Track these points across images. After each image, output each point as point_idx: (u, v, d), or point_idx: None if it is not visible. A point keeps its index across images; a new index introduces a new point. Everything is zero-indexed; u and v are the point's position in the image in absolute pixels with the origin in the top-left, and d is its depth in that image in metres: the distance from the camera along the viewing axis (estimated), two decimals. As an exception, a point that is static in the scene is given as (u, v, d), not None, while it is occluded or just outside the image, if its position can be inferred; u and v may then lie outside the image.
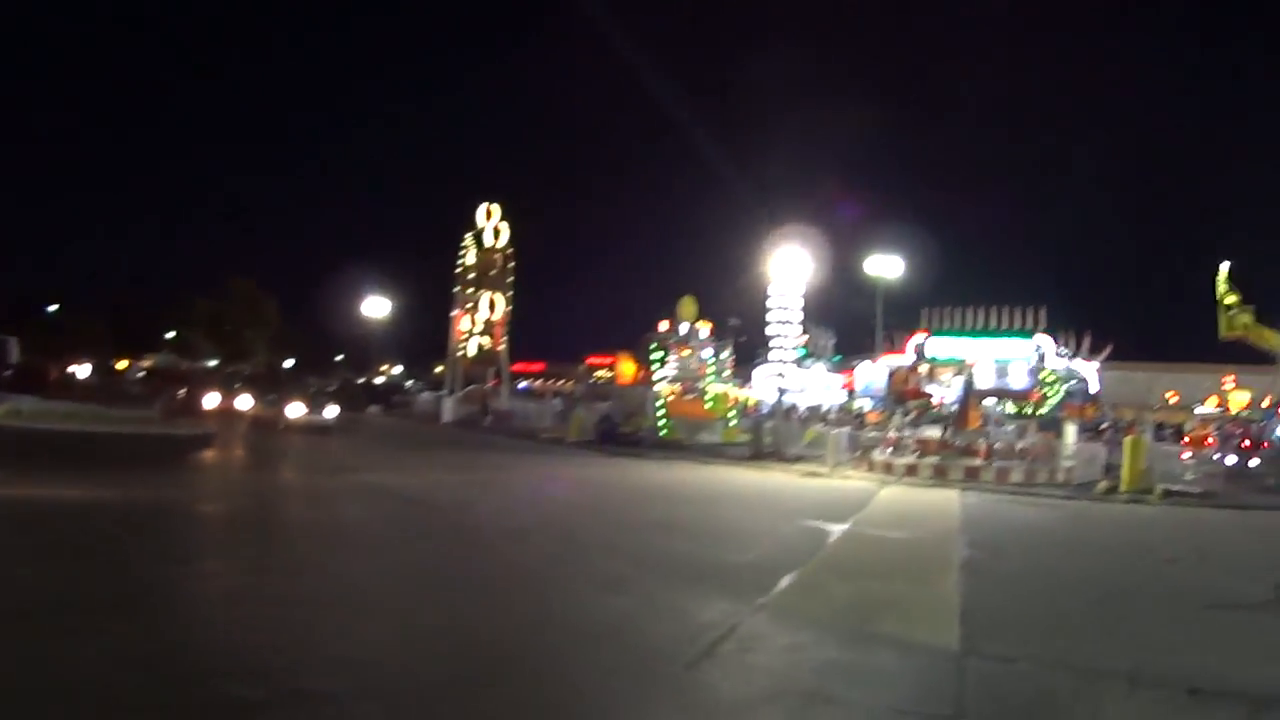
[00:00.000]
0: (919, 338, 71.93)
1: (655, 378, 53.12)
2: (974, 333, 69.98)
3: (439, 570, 15.76)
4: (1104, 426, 48.62)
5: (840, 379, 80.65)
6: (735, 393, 61.13)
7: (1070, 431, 40.20)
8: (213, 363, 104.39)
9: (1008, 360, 68.51)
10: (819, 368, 79.83)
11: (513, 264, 74.29)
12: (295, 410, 48.67)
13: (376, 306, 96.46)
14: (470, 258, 72.72)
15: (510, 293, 74.19)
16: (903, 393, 69.26)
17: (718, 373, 59.01)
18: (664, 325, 57.01)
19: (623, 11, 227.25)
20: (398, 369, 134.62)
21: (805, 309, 46.97)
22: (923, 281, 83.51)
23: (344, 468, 31.81)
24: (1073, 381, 67.39)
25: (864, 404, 69.84)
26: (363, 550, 17.59)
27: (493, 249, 73.33)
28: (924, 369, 71.21)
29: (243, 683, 9.11)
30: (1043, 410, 62.06)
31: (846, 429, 44.12)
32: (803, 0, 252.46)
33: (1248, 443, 39.43)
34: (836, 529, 22.15)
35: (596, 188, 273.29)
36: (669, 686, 10.03)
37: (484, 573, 15.81)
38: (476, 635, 11.63)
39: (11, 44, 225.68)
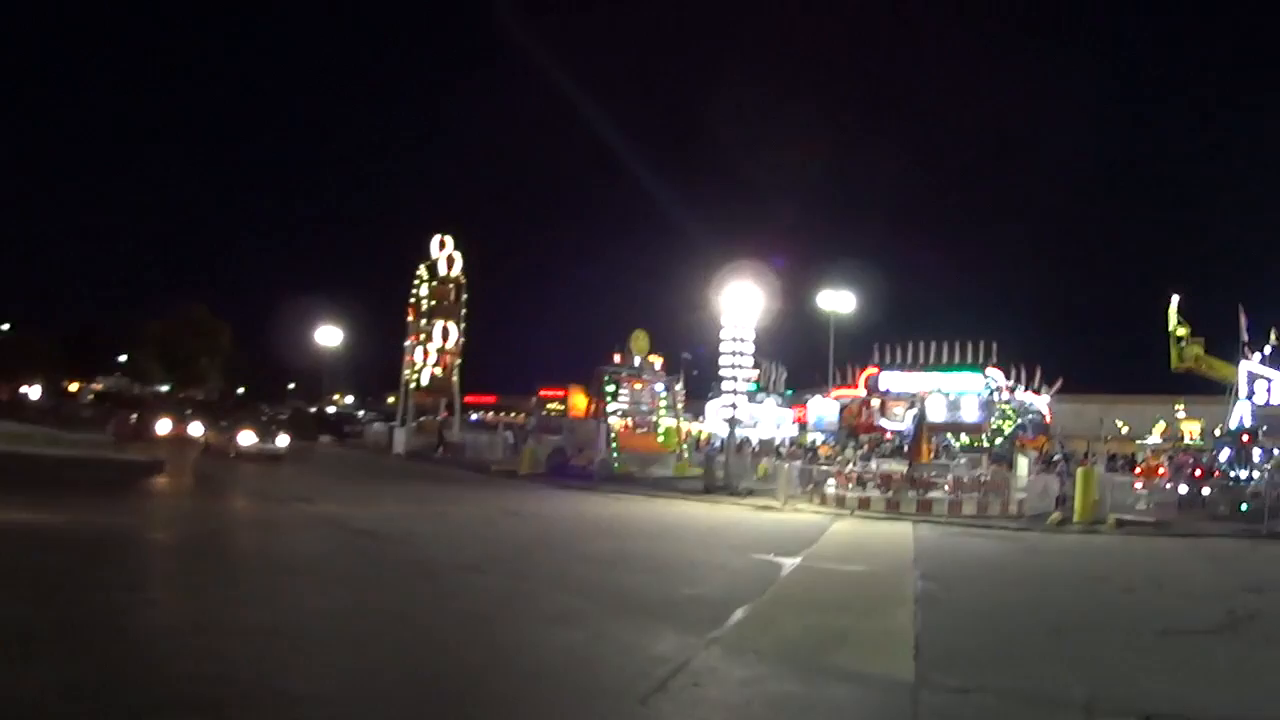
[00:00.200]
0: (871, 372, 72.13)
1: (607, 411, 52.97)
2: (926, 366, 70.24)
3: (391, 603, 15.63)
4: (1057, 458, 48.64)
5: (792, 413, 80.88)
6: (687, 426, 61.14)
7: (1023, 464, 40.31)
8: (165, 388, 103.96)
9: (960, 394, 68.76)
10: (771, 402, 80.00)
11: (465, 295, 74.12)
12: (247, 438, 48.32)
13: (329, 336, 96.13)
14: (424, 289, 72.51)
15: (463, 323, 74.04)
16: (855, 426, 69.45)
17: (670, 406, 59.05)
18: (616, 358, 56.92)
19: (575, 48, 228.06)
20: (350, 399, 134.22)
21: (757, 343, 46.77)
22: (875, 316, 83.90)
23: (295, 497, 31.64)
24: (1025, 415, 67.67)
25: (816, 438, 69.88)
26: (314, 582, 17.45)
27: (446, 278, 73.01)
28: (876, 403, 71.40)
29: (191, 715, 9.04)
30: (995, 443, 62.25)
31: (799, 463, 44.06)
32: (753, 38, 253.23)
33: (1199, 472, 39.59)
34: (789, 562, 22.08)
35: (549, 221, 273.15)
36: (622, 720, 9.97)
37: (436, 605, 15.72)
38: (429, 668, 11.59)
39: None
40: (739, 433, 49.43)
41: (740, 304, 45.01)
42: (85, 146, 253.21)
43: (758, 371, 66.17)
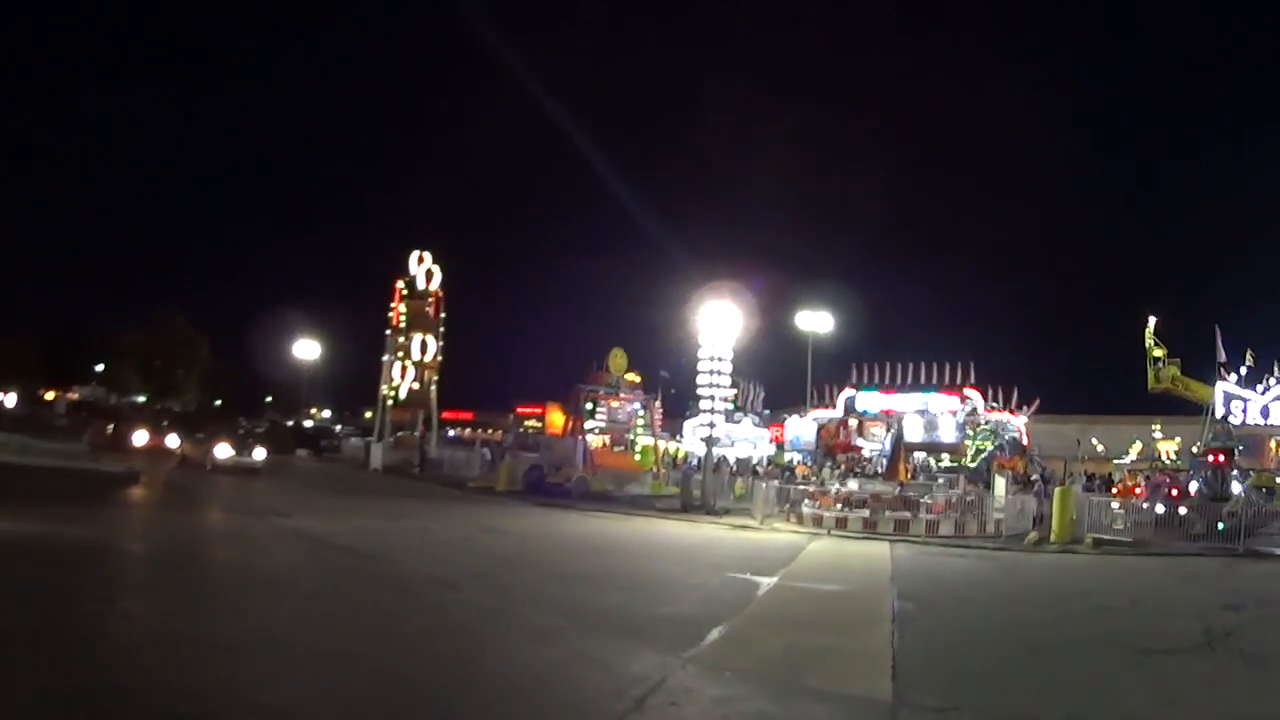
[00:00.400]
0: (848, 392, 72.22)
1: (584, 428, 52.95)
2: (904, 387, 70.36)
3: (367, 619, 15.59)
4: (1034, 478, 48.73)
5: (769, 432, 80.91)
6: (665, 445, 61.15)
7: (1000, 484, 40.33)
8: (141, 398, 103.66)
9: (937, 414, 68.85)
10: (748, 421, 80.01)
11: (444, 309, 74.10)
12: (223, 451, 48.14)
13: (307, 350, 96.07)
14: (402, 304, 72.44)
15: (442, 339, 74.04)
16: (832, 446, 69.51)
17: (647, 425, 58.99)
18: (594, 376, 56.88)
19: (555, 67, 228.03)
20: (327, 413, 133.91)
21: (735, 362, 46.77)
22: (852, 336, 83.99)
23: (271, 511, 31.52)
24: (1003, 435, 67.78)
25: (794, 457, 69.88)
26: (289, 597, 17.42)
27: (425, 292, 73.04)
28: (853, 423, 71.46)
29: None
30: (972, 463, 62.36)
31: (776, 482, 44.03)
32: (732, 60, 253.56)
33: (1175, 491, 39.66)
34: (766, 581, 22.08)
35: (528, 239, 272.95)
36: (599, 739, 9.94)
37: (413, 622, 15.63)
38: (405, 685, 11.53)
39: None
40: (716, 452, 49.31)
41: (718, 323, 45.01)
42: (66, 154, 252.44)
43: (735, 391, 66.32)
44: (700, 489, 43.65)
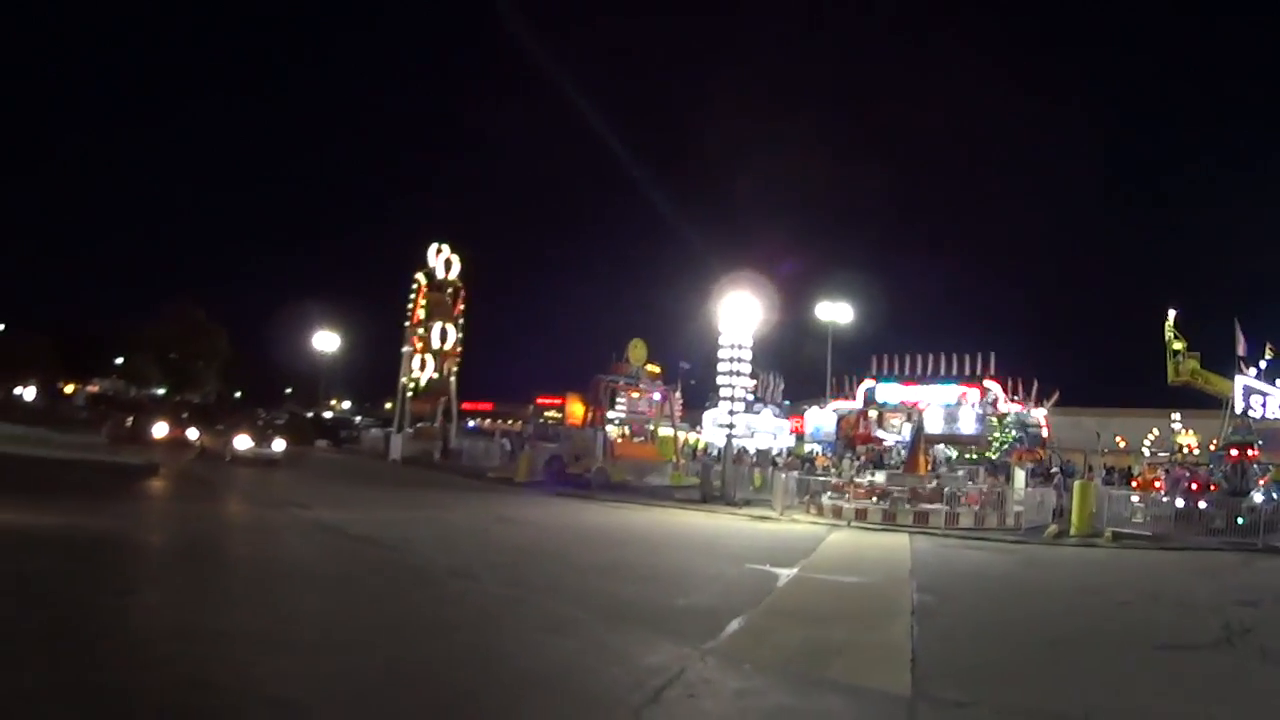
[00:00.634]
0: (868, 383, 72.07)
1: (604, 419, 52.86)
2: (924, 379, 70.20)
3: (385, 610, 15.56)
4: (1054, 471, 48.54)
5: (789, 423, 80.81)
6: (684, 436, 61.05)
7: (1020, 476, 40.20)
8: (161, 391, 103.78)
9: (957, 406, 68.69)
10: (768, 412, 79.90)
11: (463, 298, 74.06)
12: (243, 442, 48.18)
13: (327, 341, 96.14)
14: (421, 294, 72.33)
15: (460, 330, 73.97)
16: (852, 438, 69.39)
17: (667, 415, 58.91)
18: (614, 367, 56.76)
19: (576, 57, 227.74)
20: (347, 404, 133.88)
21: (755, 353, 46.60)
22: (872, 327, 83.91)
23: (291, 502, 31.53)
24: (1022, 427, 67.58)
25: (814, 448, 69.80)
26: (308, 587, 17.41)
27: (444, 281, 73.02)
28: (873, 414, 71.33)
29: (182, 720, 8.96)
30: (992, 455, 62.18)
31: (796, 473, 43.96)
32: (752, 50, 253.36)
33: (1195, 485, 39.47)
34: (785, 573, 22.04)
35: (548, 230, 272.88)
36: (617, 732, 9.89)
37: (431, 613, 15.60)
38: (421, 677, 11.48)
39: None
40: (736, 443, 49.23)
41: (738, 314, 44.89)
42: (84, 148, 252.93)
43: (755, 382, 66.22)
44: (720, 480, 43.59)
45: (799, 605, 18.29)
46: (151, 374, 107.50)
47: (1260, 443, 45.63)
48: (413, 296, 72.35)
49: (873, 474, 41.56)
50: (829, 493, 38.40)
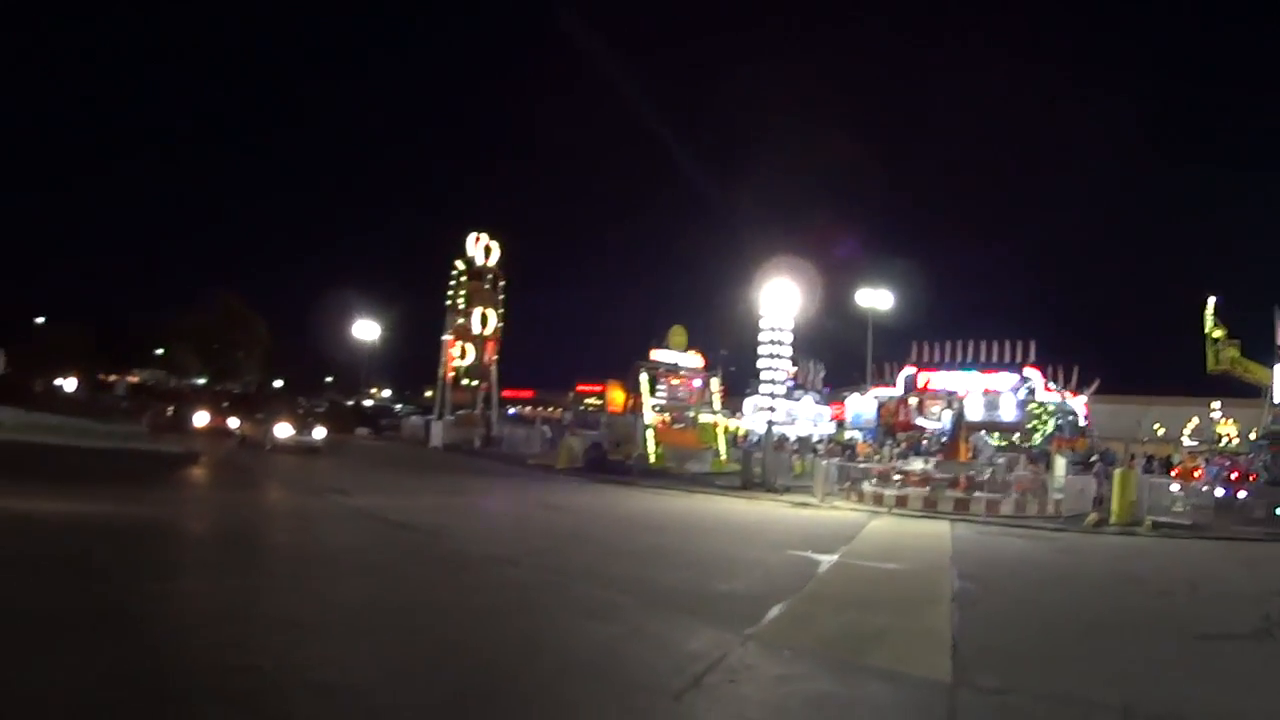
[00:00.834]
0: (909, 370, 72.04)
1: (645, 406, 52.84)
2: (964, 365, 70.10)
3: (426, 596, 15.60)
4: (1094, 459, 48.38)
5: (830, 410, 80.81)
6: (725, 422, 61.00)
7: (1060, 464, 40.07)
8: (201, 381, 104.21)
9: (997, 393, 68.61)
10: (809, 399, 79.94)
11: (503, 284, 74.32)
12: (283, 431, 48.39)
13: (367, 329, 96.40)
14: (461, 280, 72.42)
15: (500, 314, 74.20)
16: (893, 424, 69.41)
17: (708, 402, 58.90)
18: (654, 354, 56.73)
19: (617, 43, 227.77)
20: (387, 392, 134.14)
21: (795, 340, 46.46)
22: (913, 314, 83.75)
23: (331, 489, 31.65)
24: (1062, 415, 67.46)
25: (854, 435, 69.76)
26: (350, 574, 17.47)
27: (483, 268, 73.36)
28: (914, 401, 71.32)
29: (225, 706, 9.03)
30: (1032, 442, 62.06)
31: (836, 460, 43.92)
32: (799, 37, 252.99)
33: (1235, 475, 39.30)
34: (826, 559, 22.02)
35: (587, 216, 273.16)
36: (657, 716, 9.91)
37: (472, 599, 15.61)
38: (464, 662, 11.53)
39: (5, 60, 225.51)
40: (776, 429, 49.16)
41: (779, 298, 44.75)
42: (123, 138, 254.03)
43: (796, 369, 66.19)
44: (761, 467, 43.57)
45: (840, 591, 18.28)
46: (192, 364, 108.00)
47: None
48: (452, 284, 72.55)
49: (926, 461, 41.47)
50: (874, 480, 38.32)
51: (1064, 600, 19.25)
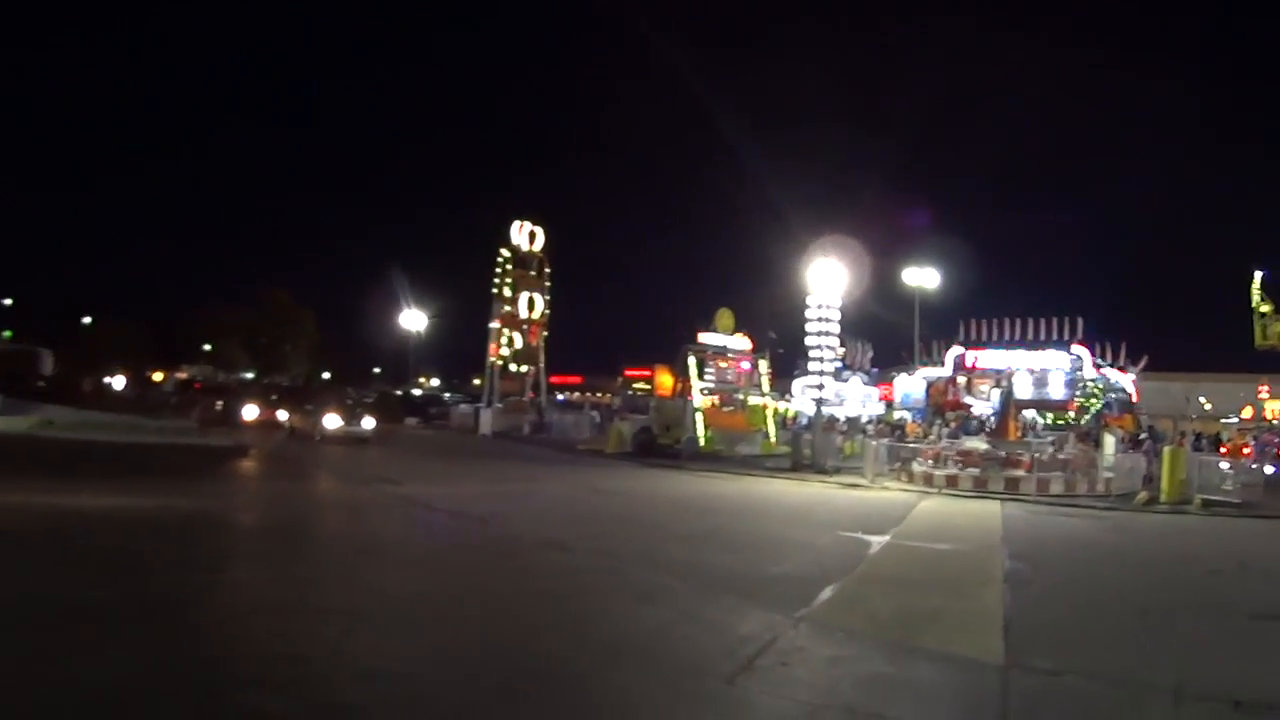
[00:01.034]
0: (956, 349, 71.81)
1: (693, 389, 52.83)
2: (1012, 343, 69.87)
3: (475, 582, 15.66)
4: (1143, 437, 48.11)
5: (878, 390, 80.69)
6: (774, 404, 60.95)
7: (1109, 442, 39.90)
8: (249, 375, 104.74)
9: (1046, 371, 68.36)
10: (857, 380, 79.87)
11: (548, 269, 74.62)
12: (332, 422, 48.69)
13: (413, 319, 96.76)
14: (505, 268, 72.69)
15: (548, 296, 74.49)
16: (941, 404, 69.16)
17: (757, 384, 58.84)
18: (701, 337, 56.70)
19: (660, 23, 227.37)
20: (436, 381, 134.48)
21: (843, 321, 46.31)
22: (960, 293, 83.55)
23: (381, 479, 31.81)
24: (1111, 392, 67.16)
25: (903, 415, 69.61)
26: (400, 562, 17.56)
27: (529, 254, 73.94)
28: (962, 380, 71.09)
29: (274, 694, 9.09)
30: (1081, 420, 61.83)
31: (886, 441, 43.85)
32: (842, 15, 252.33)
33: (1283, 452, 39.12)
34: (877, 540, 22.02)
35: (633, 200, 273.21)
36: (709, 699, 9.92)
37: (523, 584, 15.71)
38: (513, 648, 11.56)
39: (55, 61, 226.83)
40: (825, 410, 49.15)
41: (827, 280, 44.67)
42: (168, 137, 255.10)
43: (844, 349, 66.09)
44: (810, 448, 43.55)
45: (891, 573, 18.23)
46: (240, 358, 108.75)
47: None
48: (498, 272, 72.69)
49: (982, 441, 41.32)
50: (925, 460, 38.25)
51: (1115, 580, 19.17)
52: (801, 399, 70.06)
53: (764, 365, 60.37)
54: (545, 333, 75.16)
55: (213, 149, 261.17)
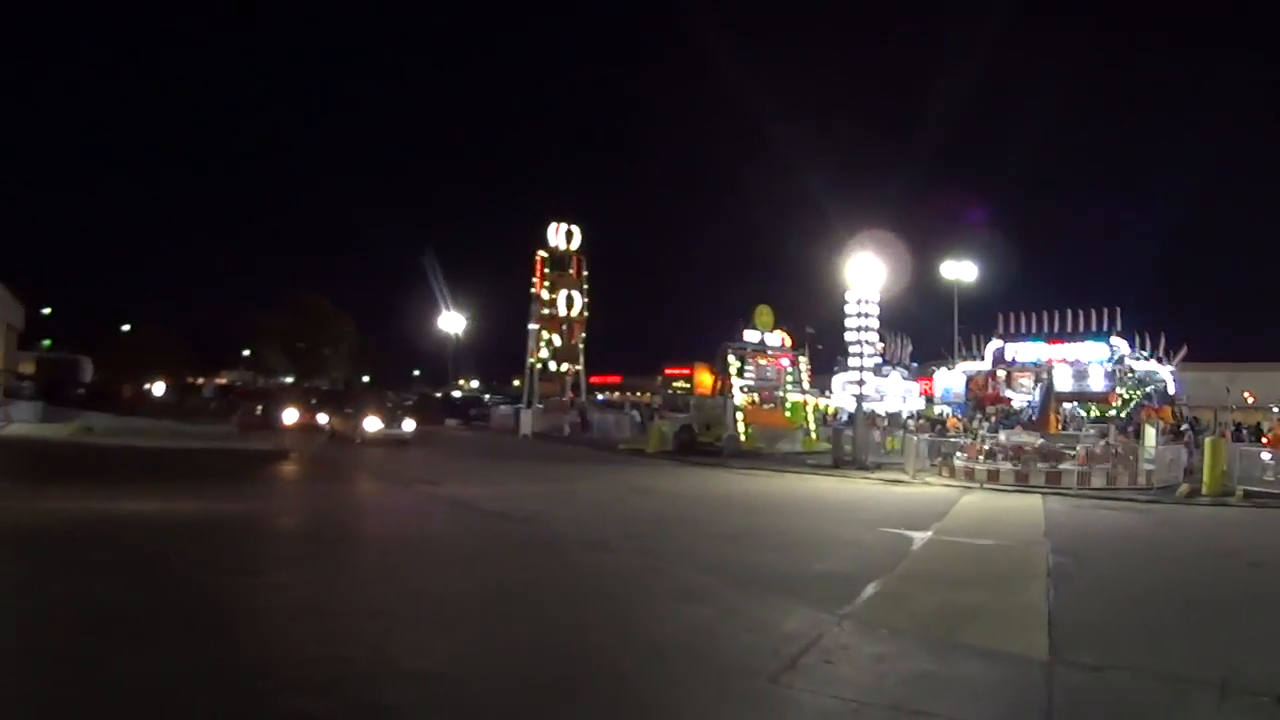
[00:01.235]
0: (995, 343, 71.69)
1: (733, 387, 52.80)
2: (1051, 336, 69.70)
3: (518, 582, 15.69)
4: (1184, 428, 47.92)
5: (919, 385, 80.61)
6: (814, 401, 60.94)
7: (1150, 434, 39.74)
8: (289, 379, 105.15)
9: (1085, 363, 68.20)
10: (896, 375, 79.76)
11: (585, 269, 74.83)
12: (372, 424, 48.92)
13: (452, 321, 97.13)
14: (543, 269, 72.95)
15: (586, 298, 74.64)
16: (982, 398, 69.10)
17: (796, 381, 58.81)
18: (741, 334, 56.66)
19: (698, 20, 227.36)
20: (475, 383, 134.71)
21: (882, 316, 46.24)
22: (998, 286, 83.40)
23: (421, 480, 31.99)
24: (1151, 384, 66.96)
25: (944, 410, 69.51)
26: (440, 563, 17.62)
27: (566, 253, 74.31)
28: (1002, 374, 70.96)
29: (315, 696, 9.14)
30: (1121, 412, 61.65)
31: (926, 436, 43.75)
32: (881, 10, 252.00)
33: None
34: (919, 536, 21.98)
35: (671, 200, 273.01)
36: (754, 698, 9.92)
37: (564, 584, 15.76)
38: (556, 647, 11.61)
39: (89, 67, 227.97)
40: (866, 406, 49.11)
41: (866, 276, 44.63)
42: (205, 143, 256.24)
43: (883, 344, 66.05)
44: (851, 444, 43.49)
45: (934, 569, 18.21)
46: (279, 363, 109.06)
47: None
48: (536, 272, 72.93)
49: (1034, 435, 41.18)
50: (977, 457, 38.14)
51: (1159, 574, 19.11)
52: (842, 395, 70.11)
53: (804, 361, 60.27)
54: (584, 332, 75.34)
55: (252, 154, 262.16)
